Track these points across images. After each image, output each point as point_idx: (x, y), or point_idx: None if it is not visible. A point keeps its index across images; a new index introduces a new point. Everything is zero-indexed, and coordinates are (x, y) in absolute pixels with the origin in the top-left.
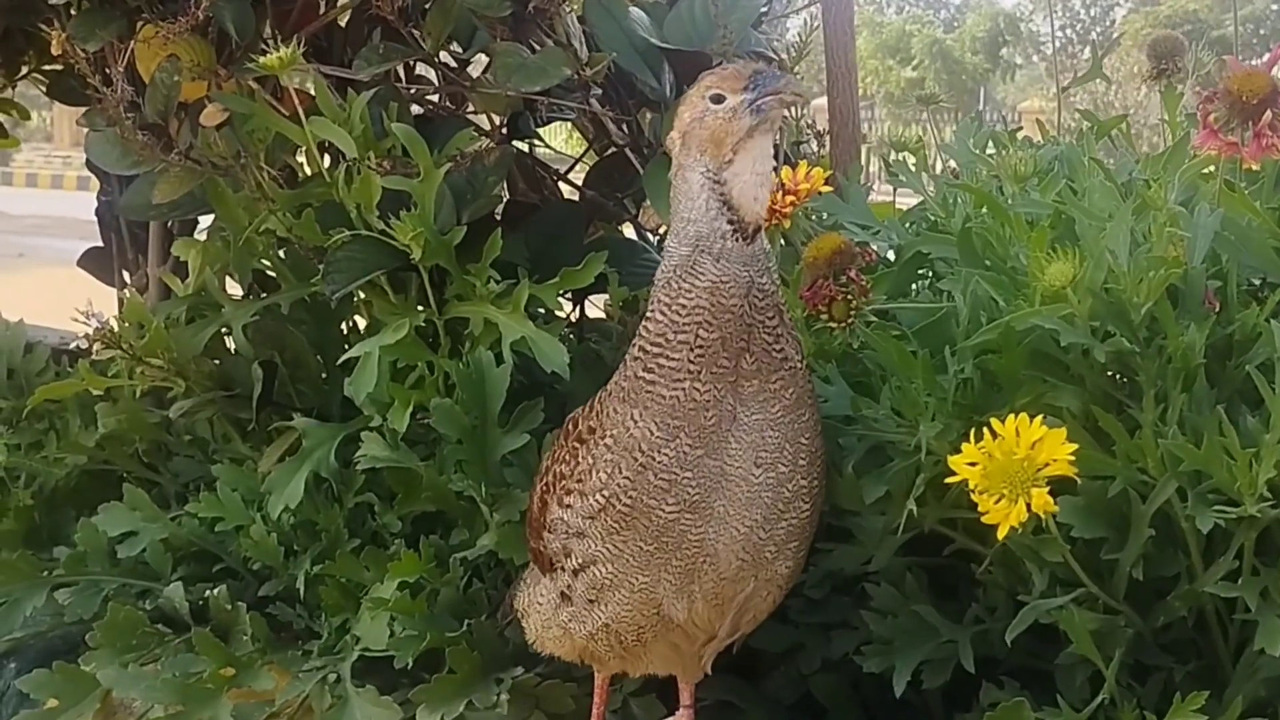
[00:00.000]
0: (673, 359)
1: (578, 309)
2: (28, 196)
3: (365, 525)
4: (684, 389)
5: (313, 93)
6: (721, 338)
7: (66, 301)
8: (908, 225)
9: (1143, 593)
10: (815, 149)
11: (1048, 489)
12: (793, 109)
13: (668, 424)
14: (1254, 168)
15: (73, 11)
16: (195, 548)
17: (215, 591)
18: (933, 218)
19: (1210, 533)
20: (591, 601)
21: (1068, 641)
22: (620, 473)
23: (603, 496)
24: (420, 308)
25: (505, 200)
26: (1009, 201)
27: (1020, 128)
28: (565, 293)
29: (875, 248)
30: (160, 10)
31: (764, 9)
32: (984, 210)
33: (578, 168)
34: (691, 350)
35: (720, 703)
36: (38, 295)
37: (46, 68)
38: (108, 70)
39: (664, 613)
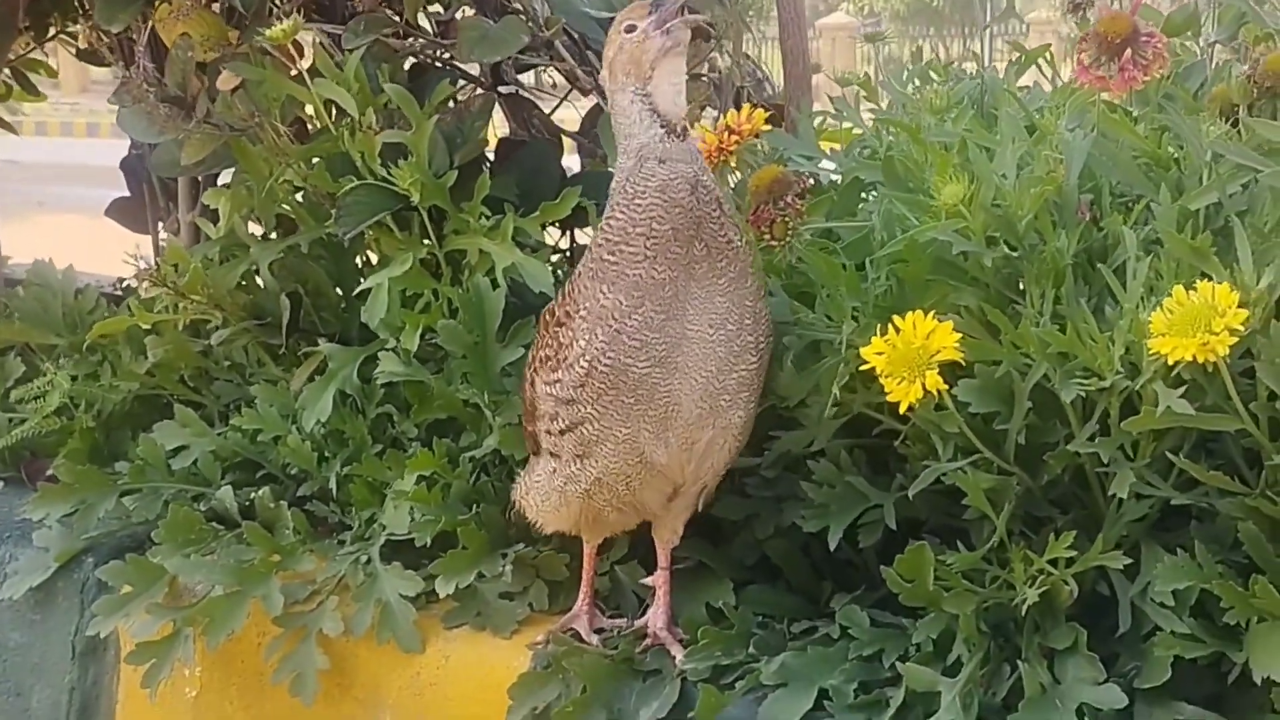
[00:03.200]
0: (632, 246)
1: (569, 237)
2: (38, 145)
3: (386, 432)
4: (643, 269)
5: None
6: (673, 228)
7: (93, 248)
8: (851, 155)
9: (1031, 457)
10: (770, 90)
11: (939, 372)
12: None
13: (633, 295)
14: (1118, 98)
15: None
16: (240, 457)
17: (260, 493)
18: (871, 149)
19: (1086, 404)
20: (580, 457)
21: None
22: (598, 338)
23: (585, 362)
24: (424, 242)
25: (499, 139)
26: (928, 131)
27: (1025, 38)
28: (551, 223)
29: (820, 177)
30: None
31: None
32: (905, 139)
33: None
34: (648, 239)
35: (692, 565)
36: (64, 242)
37: (73, 28)
38: (133, 45)
39: (647, 458)
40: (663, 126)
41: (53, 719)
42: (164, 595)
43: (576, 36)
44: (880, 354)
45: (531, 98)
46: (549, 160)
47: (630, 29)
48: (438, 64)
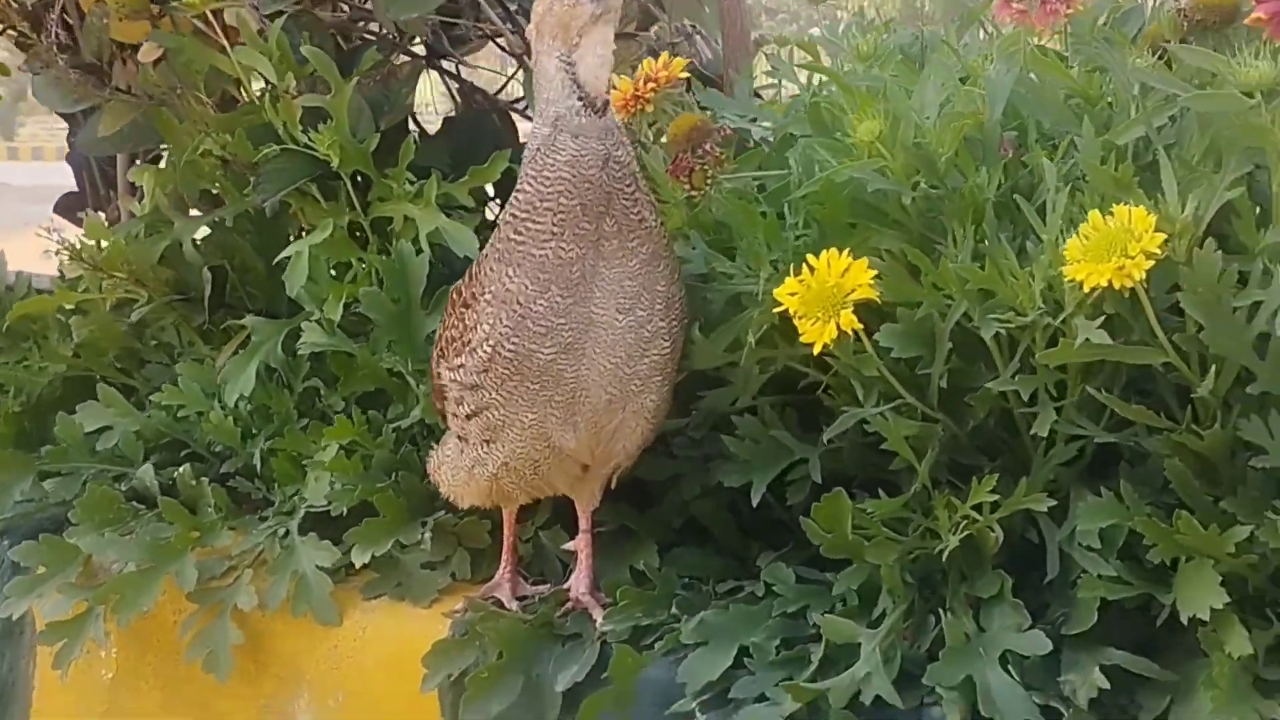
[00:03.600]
0: (539, 223)
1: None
2: (34, 170)
3: (314, 407)
4: (551, 248)
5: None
6: (581, 204)
7: None
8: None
9: (957, 402)
10: (712, 54)
11: (856, 313)
12: None
13: (539, 278)
14: (1043, 34)
15: None
16: (165, 437)
17: (181, 470)
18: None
19: (1011, 343)
20: (486, 441)
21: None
22: (502, 323)
23: (489, 346)
24: (349, 211)
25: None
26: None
27: None
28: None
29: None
30: None
31: None
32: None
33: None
34: (555, 215)
35: (617, 529)
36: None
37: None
38: (46, 20)
39: (554, 443)
40: (581, 99)
41: None
42: (78, 575)
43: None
44: (794, 294)
45: (466, 67)
46: (485, 129)
47: None
48: (368, 35)
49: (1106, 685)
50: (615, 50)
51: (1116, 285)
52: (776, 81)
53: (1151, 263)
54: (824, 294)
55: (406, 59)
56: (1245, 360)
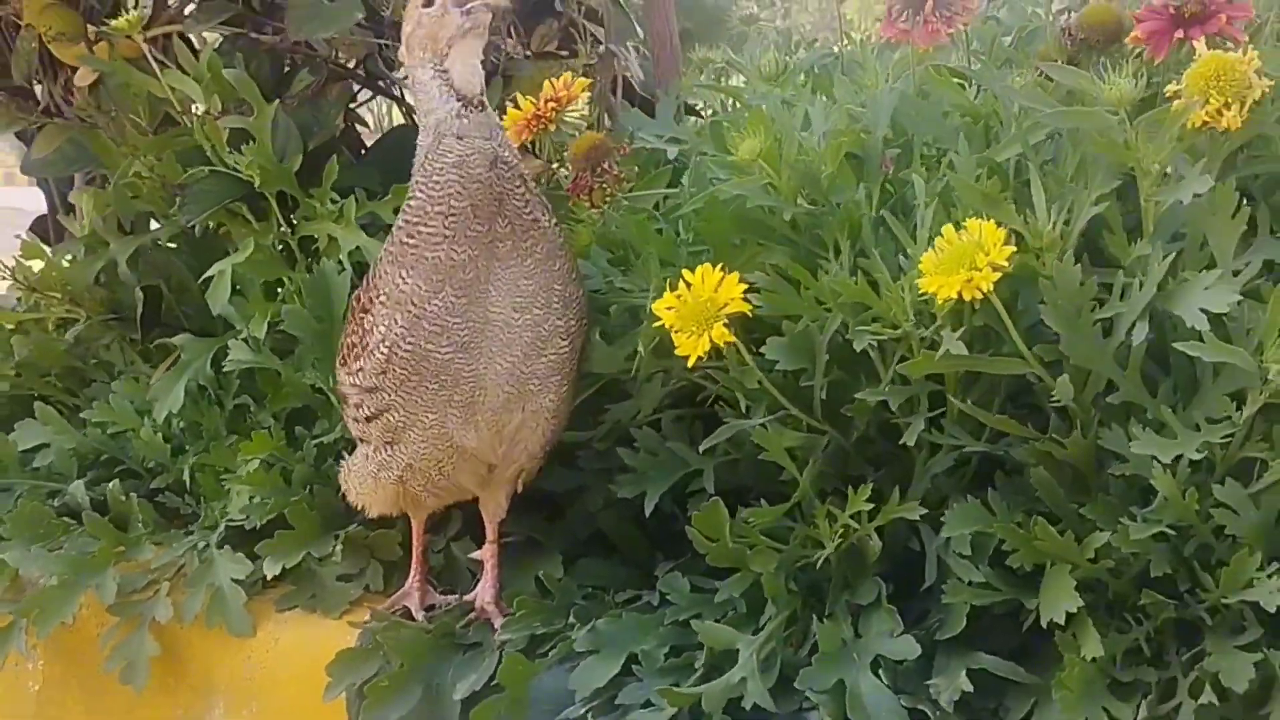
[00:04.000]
0: (430, 226)
1: None
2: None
3: (244, 423)
4: (443, 250)
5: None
6: (472, 205)
7: None
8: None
9: (844, 416)
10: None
11: (735, 327)
12: None
13: (432, 279)
14: (923, 49)
15: None
16: (101, 454)
17: (111, 486)
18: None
19: (887, 356)
20: (389, 444)
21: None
22: (397, 324)
23: (385, 347)
24: (278, 230)
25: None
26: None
27: None
28: None
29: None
30: None
31: None
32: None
33: None
34: (445, 218)
35: (524, 540)
36: None
37: None
38: None
39: (456, 443)
40: (459, 100)
41: None
42: (4, 589)
43: None
44: (670, 309)
45: (400, 90)
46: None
47: (428, 3)
48: (301, 57)
49: (969, 688)
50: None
51: (966, 297)
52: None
53: (998, 275)
54: (699, 308)
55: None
56: (1106, 371)
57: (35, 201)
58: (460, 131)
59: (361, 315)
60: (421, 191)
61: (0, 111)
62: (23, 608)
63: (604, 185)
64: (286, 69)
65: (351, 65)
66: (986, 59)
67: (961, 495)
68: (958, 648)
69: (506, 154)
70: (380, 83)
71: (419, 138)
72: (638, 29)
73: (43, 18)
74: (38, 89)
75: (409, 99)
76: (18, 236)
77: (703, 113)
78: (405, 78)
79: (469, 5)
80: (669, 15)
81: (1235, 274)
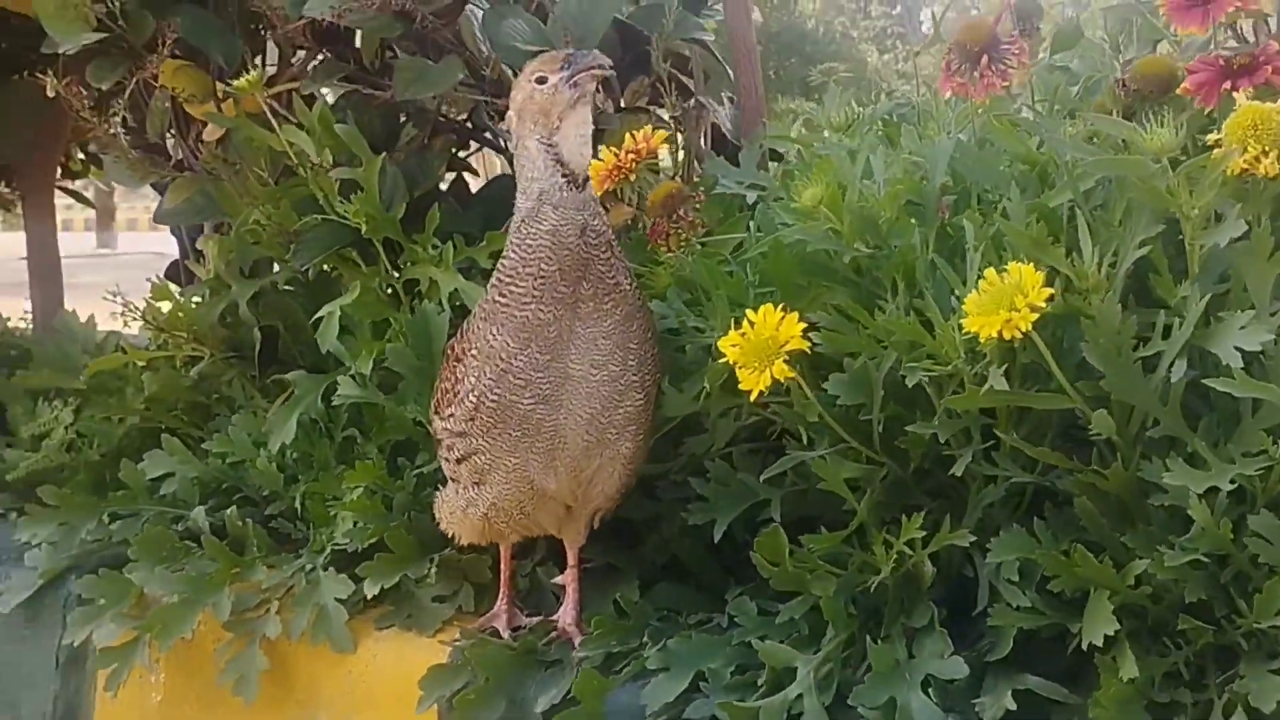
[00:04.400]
0: (520, 286)
1: None
2: (128, 238)
3: (351, 454)
4: (530, 310)
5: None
6: (560, 269)
7: None
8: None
9: (901, 449)
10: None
11: (797, 364)
12: None
13: (519, 336)
14: (981, 100)
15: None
16: (222, 483)
17: (229, 512)
18: None
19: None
20: (476, 484)
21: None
22: (486, 376)
23: (474, 397)
24: (385, 273)
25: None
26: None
27: None
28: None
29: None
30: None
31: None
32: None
33: None
34: (535, 280)
35: (604, 566)
36: None
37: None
38: (115, 105)
39: (537, 486)
40: (564, 176)
41: None
42: (131, 606)
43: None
44: (735, 345)
45: (502, 141)
46: (513, 196)
47: (541, 80)
48: (409, 112)
49: (1013, 707)
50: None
51: (1006, 336)
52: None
53: (1036, 316)
54: (761, 345)
55: (441, 135)
56: (1148, 406)
57: (174, 246)
58: (558, 203)
59: (455, 364)
60: (515, 253)
61: (137, 165)
62: (146, 623)
63: (680, 231)
64: (399, 123)
65: (456, 119)
66: (1050, 108)
67: (1012, 525)
68: (1005, 669)
69: (597, 223)
70: (484, 135)
71: (517, 199)
72: (731, 75)
73: (175, 79)
74: (170, 144)
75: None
76: (149, 280)
77: (787, 159)
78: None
79: (575, 77)
80: (754, 69)
81: (1273, 314)
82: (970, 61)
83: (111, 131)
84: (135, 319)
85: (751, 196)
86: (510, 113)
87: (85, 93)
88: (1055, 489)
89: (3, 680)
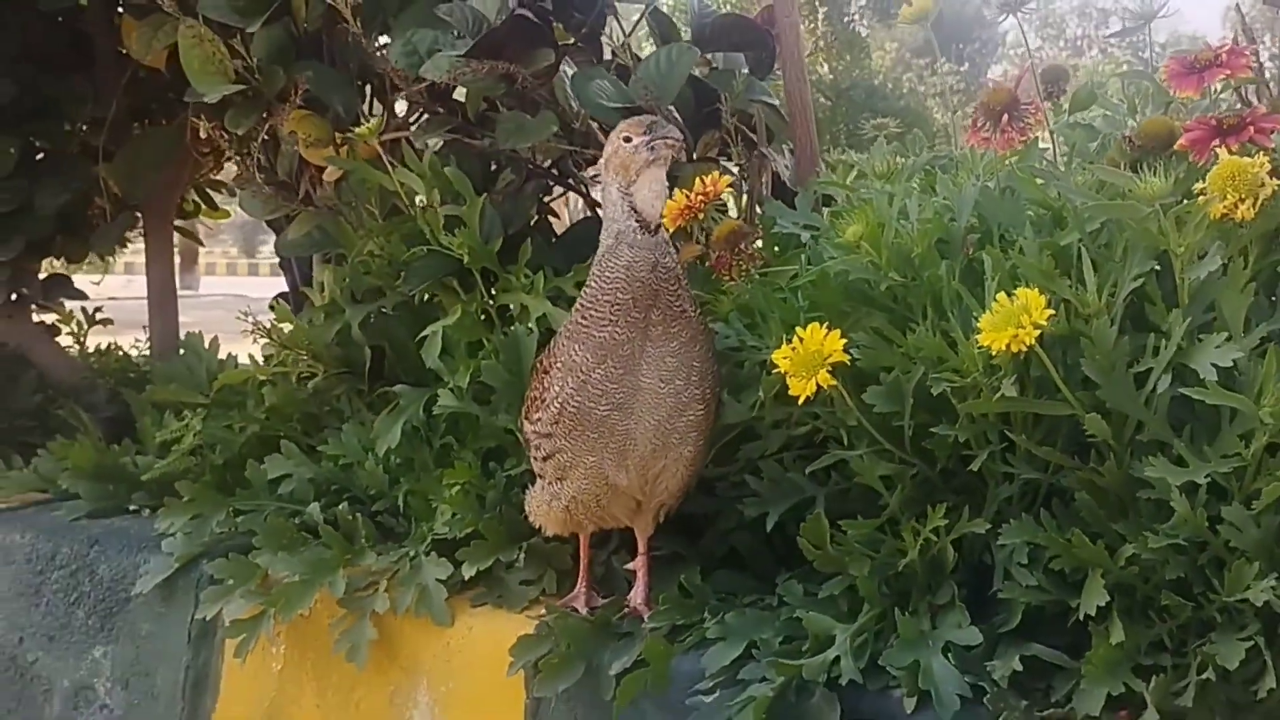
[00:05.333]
0: (599, 311)
1: None
2: (273, 284)
3: (448, 459)
4: (607, 332)
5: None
6: (633, 298)
7: None
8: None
9: (930, 451)
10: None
11: (838, 374)
12: None
13: (597, 353)
14: (1003, 153)
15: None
16: (333, 484)
17: (341, 507)
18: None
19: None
20: (559, 479)
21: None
22: (568, 386)
23: (558, 404)
24: (479, 299)
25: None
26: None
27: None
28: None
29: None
30: (288, 100)
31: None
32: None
33: None
34: (612, 306)
35: (670, 554)
36: None
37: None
38: (251, 146)
39: (610, 481)
40: (638, 222)
41: (172, 694)
42: (256, 585)
43: (601, 127)
44: (786, 358)
45: (584, 186)
46: (594, 234)
47: (627, 139)
48: (504, 158)
49: (1019, 668)
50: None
51: (1013, 349)
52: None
53: (1038, 332)
54: (808, 358)
55: (533, 179)
56: (1138, 414)
57: (259, 290)
58: (633, 243)
59: (543, 375)
60: (595, 283)
61: (269, 200)
62: (271, 599)
63: (741, 263)
64: (493, 168)
65: (546, 166)
66: (1070, 160)
67: (1023, 516)
68: (1014, 639)
69: (667, 260)
70: (570, 180)
71: (602, 235)
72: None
73: (300, 125)
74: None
75: (594, 195)
76: (238, 315)
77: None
78: (595, 178)
79: (654, 143)
80: (809, 124)
81: (1246, 336)
82: (993, 119)
83: (249, 169)
84: (262, 338)
85: (805, 235)
86: (602, 160)
87: (227, 136)
88: (1061, 485)
89: (141, 653)
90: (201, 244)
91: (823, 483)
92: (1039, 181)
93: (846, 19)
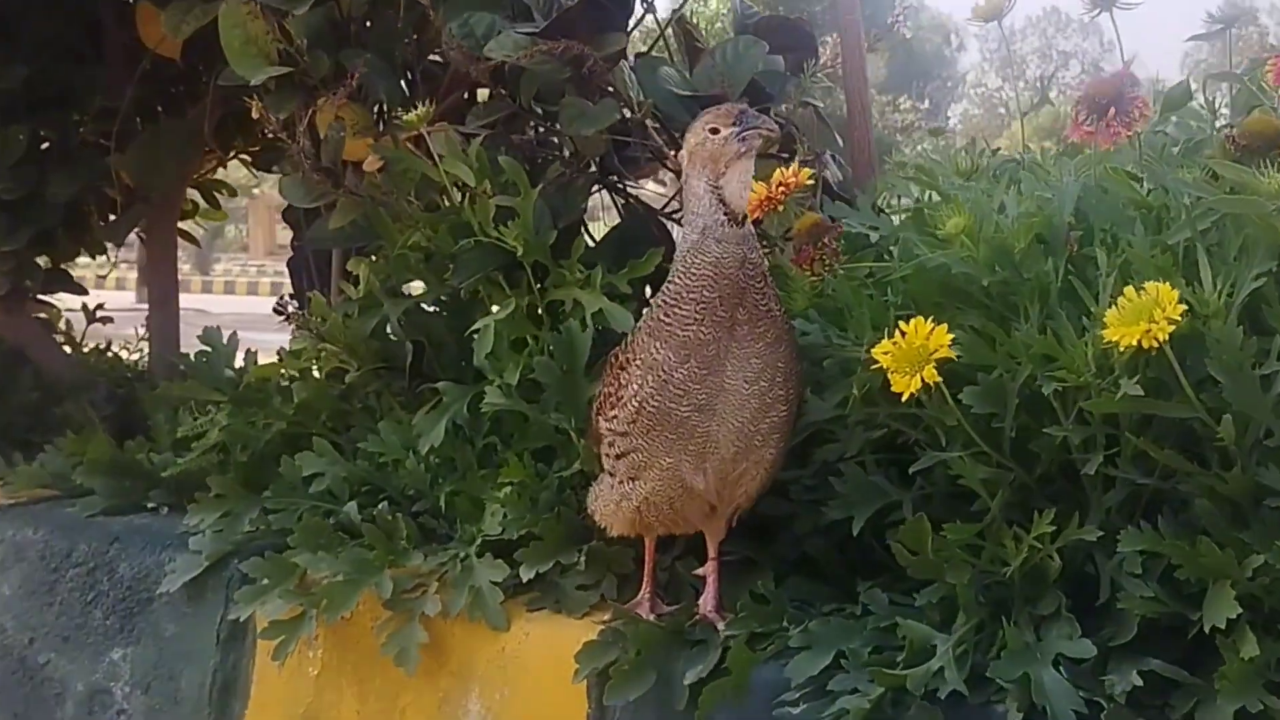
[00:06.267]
0: (684, 310)
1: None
2: (225, 300)
3: (491, 460)
4: (693, 331)
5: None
6: (720, 296)
7: None
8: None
9: (1027, 454)
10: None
11: (940, 374)
12: None
13: (680, 352)
14: (1109, 148)
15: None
16: (367, 484)
17: (380, 506)
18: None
19: (1071, 402)
20: (632, 479)
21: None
22: (648, 384)
23: (636, 402)
24: (529, 295)
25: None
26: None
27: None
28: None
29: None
30: (332, 85)
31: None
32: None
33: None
34: (697, 305)
35: (741, 559)
36: None
37: (251, 149)
38: (295, 131)
39: (687, 484)
40: (726, 215)
41: (198, 698)
42: (295, 585)
43: (663, 117)
44: (887, 353)
45: (630, 179)
46: (644, 231)
47: (714, 130)
48: (551, 155)
49: (1140, 683)
50: (763, 167)
51: (1145, 345)
52: (896, 197)
53: (1173, 327)
54: (912, 353)
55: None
56: (1264, 418)
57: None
58: (721, 237)
59: (619, 371)
60: (680, 279)
61: (313, 185)
62: (312, 599)
63: (824, 256)
64: (539, 162)
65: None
66: (1157, 162)
67: (1128, 526)
68: (1128, 653)
69: (754, 256)
70: (612, 178)
71: (684, 231)
72: (838, 139)
73: (344, 112)
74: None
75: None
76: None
77: (887, 211)
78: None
79: (745, 134)
80: (868, 126)
81: None
82: (1098, 113)
83: (299, 154)
84: (300, 326)
85: (873, 236)
86: (683, 153)
87: (275, 119)
88: (1173, 493)
89: (164, 655)
90: (199, 245)
91: (907, 487)
92: (1133, 180)
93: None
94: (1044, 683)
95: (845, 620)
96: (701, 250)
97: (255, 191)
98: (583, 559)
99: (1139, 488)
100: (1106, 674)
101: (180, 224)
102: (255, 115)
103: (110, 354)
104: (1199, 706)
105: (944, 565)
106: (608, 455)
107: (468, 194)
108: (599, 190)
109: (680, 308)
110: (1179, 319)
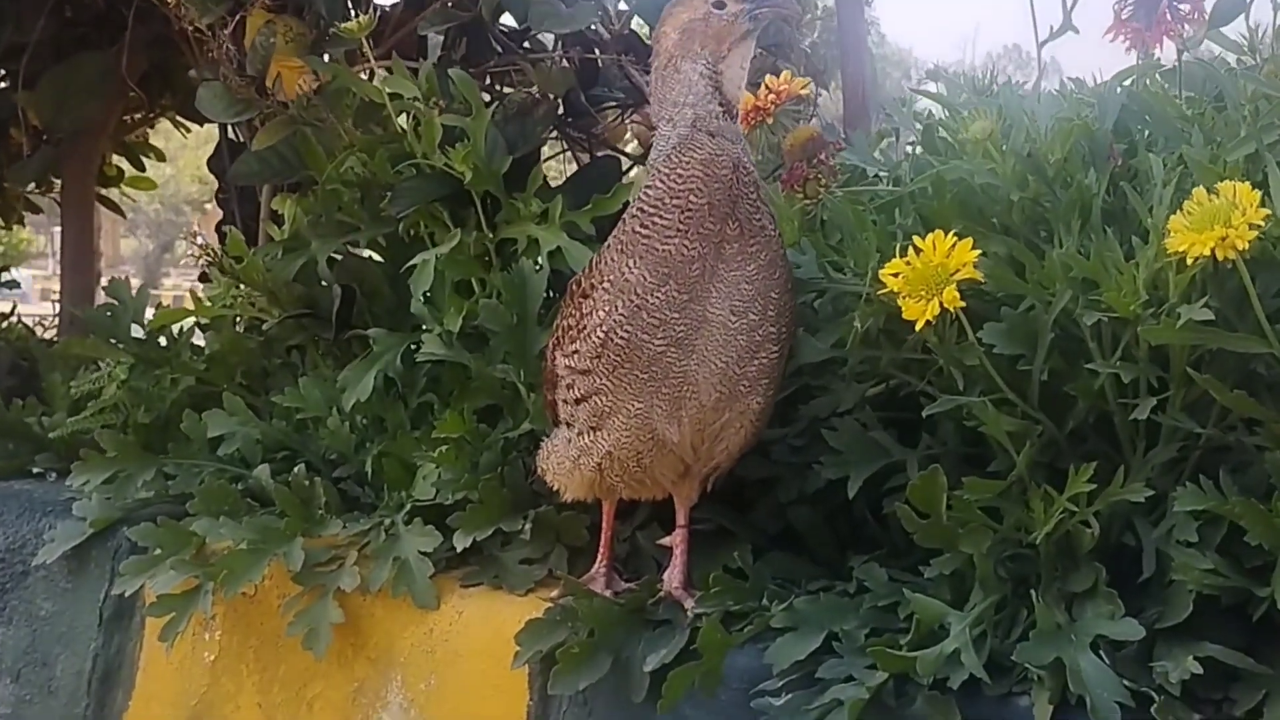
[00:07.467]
0: (666, 219)
1: None
2: None
3: (426, 420)
4: (674, 244)
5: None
6: (709, 203)
7: None
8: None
9: (1056, 402)
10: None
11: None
12: None
13: (659, 272)
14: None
15: None
16: (283, 447)
17: (297, 470)
18: None
19: (1113, 338)
20: (594, 429)
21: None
22: (617, 310)
23: (602, 332)
24: (476, 233)
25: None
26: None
27: None
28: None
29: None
30: None
31: None
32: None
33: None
34: (683, 212)
35: (714, 530)
36: None
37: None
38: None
39: (658, 435)
40: (721, 105)
41: (74, 687)
42: (191, 555)
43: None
44: (898, 275)
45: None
46: (609, 174)
47: (720, 5)
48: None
49: (1199, 670)
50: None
51: (1220, 256)
52: (893, 137)
53: (1254, 234)
54: (928, 273)
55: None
56: None
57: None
58: (715, 130)
59: (581, 300)
60: (662, 183)
61: (238, 93)
62: (211, 570)
63: (819, 175)
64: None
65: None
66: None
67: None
68: (1180, 636)
69: (747, 160)
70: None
71: (662, 129)
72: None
73: (277, 21)
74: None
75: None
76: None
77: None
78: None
79: (759, 10)
80: (863, 63)
81: None
82: (1147, 8)
83: (222, 60)
84: (214, 264)
85: (872, 170)
86: (667, 32)
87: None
88: (1229, 449)
89: (38, 638)
90: (124, 215)
91: (911, 446)
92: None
93: None
94: (1082, 669)
95: (837, 598)
96: (691, 146)
97: (208, 207)
98: (528, 527)
99: (1186, 444)
100: (1153, 660)
101: (103, 191)
102: (173, 12)
103: (19, 324)
104: (1269, 700)
105: (958, 532)
106: (565, 402)
107: (413, 119)
108: (558, 138)
109: (661, 216)
110: (1262, 223)
